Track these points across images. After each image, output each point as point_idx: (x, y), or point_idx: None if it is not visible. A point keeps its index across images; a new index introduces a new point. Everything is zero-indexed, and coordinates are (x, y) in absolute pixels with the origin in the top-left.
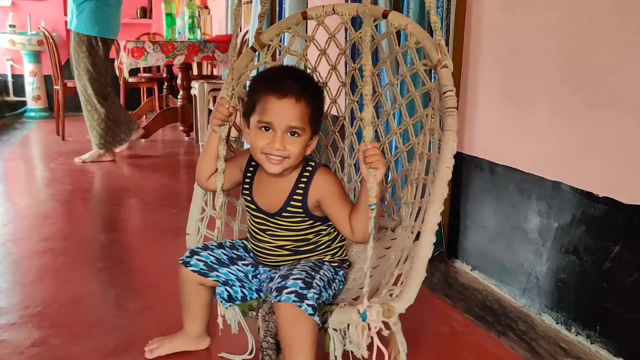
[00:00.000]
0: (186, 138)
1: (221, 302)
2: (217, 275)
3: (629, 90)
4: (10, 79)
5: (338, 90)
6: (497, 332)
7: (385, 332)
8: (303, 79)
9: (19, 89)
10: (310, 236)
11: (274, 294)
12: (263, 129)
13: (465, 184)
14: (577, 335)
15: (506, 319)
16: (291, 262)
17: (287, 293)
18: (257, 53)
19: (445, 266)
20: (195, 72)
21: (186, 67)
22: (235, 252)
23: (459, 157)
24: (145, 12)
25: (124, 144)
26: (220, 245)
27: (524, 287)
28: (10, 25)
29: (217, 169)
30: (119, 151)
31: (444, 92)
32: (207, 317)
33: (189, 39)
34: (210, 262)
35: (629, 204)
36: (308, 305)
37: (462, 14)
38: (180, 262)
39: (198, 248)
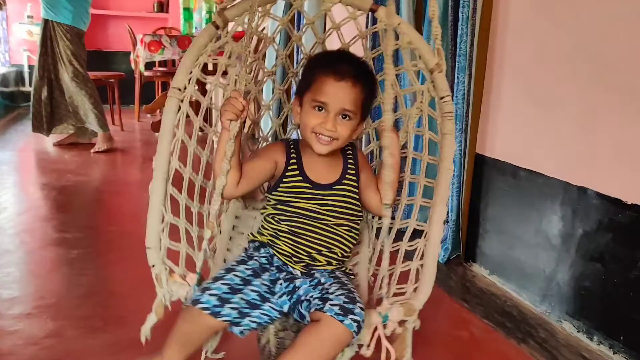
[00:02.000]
0: (200, 133)
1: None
2: (230, 308)
3: None
4: (26, 70)
5: None
6: (517, 339)
7: (399, 330)
8: (360, 65)
9: None
10: (343, 232)
11: (338, 310)
12: (317, 108)
13: (485, 187)
14: (599, 344)
15: (526, 326)
16: (324, 264)
17: (353, 320)
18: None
19: (463, 270)
20: (210, 67)
21: None
22: (252, 267)
23: (480, 160)
24: (162, 7)
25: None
26: (230, 269)
27: (544, 293)
28: (28, 16)
29: (241, 174)
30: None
31: (442, 97)
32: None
33: None
34: (223, 292)
35: None
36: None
37: (489, 14)
38: (189, 303)
39: (209, 283)
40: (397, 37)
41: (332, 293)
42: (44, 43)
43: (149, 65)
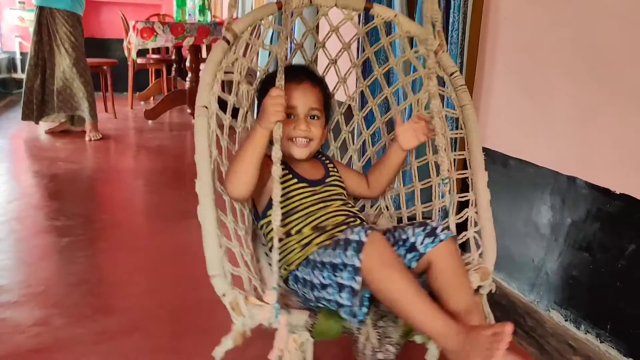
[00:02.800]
0: (193, 121)
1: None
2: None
3: None
4: (18, 56)
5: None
6: None
7: (477, 296)
8: (312, 71)
9: None
10: (350, 208)
11: (429, 239)
12: (287, 116)
13: None
14: (586, 333)
15: (514, 315)
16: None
17: (441, 231)
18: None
19: None
20: (204, 54)
21: (195, 49)
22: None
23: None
24: None
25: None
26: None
27: (533, 282)
28: (19, 2)
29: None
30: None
31: (452, 74)
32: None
33: (199, 21)
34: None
35: None
36: None
37: (480, 2)
38: (363, 232)
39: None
40: (392, 30)
41: (408, 238)
42: (39, 30)
43: (142, 53)
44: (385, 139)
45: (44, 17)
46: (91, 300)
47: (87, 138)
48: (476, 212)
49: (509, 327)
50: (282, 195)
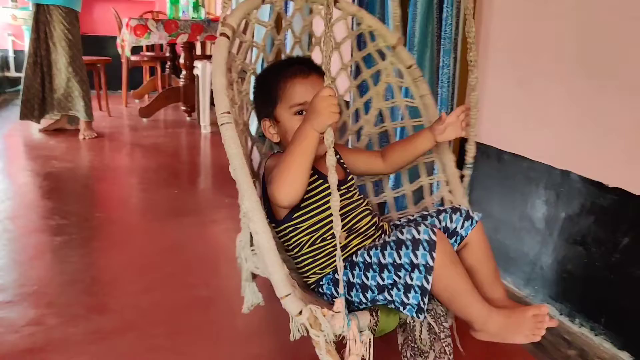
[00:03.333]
0: (188, 118)
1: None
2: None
3: None
4: (11, 55)
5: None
6: None
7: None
8: (312, 60)
9: (20, 65)
10: (370, 215)
11: (468, 222)
12: (298, 113)
13: None
14: (580, 327)
15: None
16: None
17: (473, 212)
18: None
19: None
20: (198, 51)
21: (189, 46)
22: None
23: (464, 143)
24: None
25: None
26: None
27: (528, 277)
28: (12, 0)
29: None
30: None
31: (410, 66)
32: None
33: (192, 17)
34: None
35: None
36: None
37: None
38: (430, 231)
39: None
40: (357, 24)
41: (447, 225)
42: (37, 28)
43: (137, 50)
44: (362, 121)
45: (41, 14)
46: (85, 299)
47: (81, 137)
48: (449, 191)
49: (545, 309)
50: (312, 198)
